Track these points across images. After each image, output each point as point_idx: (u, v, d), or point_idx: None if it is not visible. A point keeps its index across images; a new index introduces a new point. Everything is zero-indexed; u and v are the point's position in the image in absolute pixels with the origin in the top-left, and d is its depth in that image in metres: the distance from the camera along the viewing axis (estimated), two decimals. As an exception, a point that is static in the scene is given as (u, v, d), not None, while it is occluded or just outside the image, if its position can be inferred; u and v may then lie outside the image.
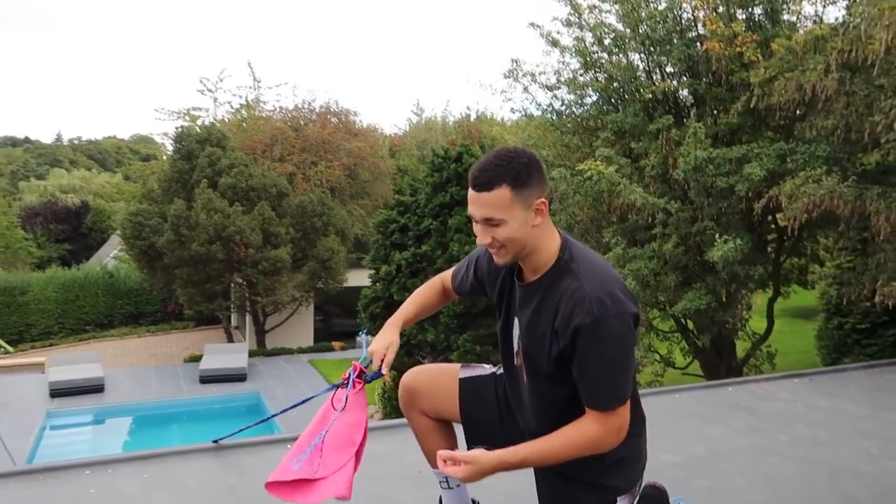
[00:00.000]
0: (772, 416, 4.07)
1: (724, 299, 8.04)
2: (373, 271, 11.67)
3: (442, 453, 1.78)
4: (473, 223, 1.83)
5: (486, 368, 2.32)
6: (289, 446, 3.36)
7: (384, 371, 2.07)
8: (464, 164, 11.19)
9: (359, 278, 22.16)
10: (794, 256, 10.39)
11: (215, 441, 3.36)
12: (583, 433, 1.76)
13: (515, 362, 2.03)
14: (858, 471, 3.36)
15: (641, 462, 2.00)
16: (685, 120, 8.71)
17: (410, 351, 10.86)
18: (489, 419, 2.26)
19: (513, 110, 10.72)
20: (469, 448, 2.34)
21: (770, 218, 9.24)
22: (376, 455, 3.31)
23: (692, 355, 9.79)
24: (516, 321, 1.96)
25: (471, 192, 1.78)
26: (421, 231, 10.91)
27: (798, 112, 7.42)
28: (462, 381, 2.29)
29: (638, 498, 2.00)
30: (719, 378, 8.99)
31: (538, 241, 1.81)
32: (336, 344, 21.48)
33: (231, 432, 3.40)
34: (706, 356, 9.34)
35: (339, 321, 23.97)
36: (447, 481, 2.41)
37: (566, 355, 1.76)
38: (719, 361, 9.27)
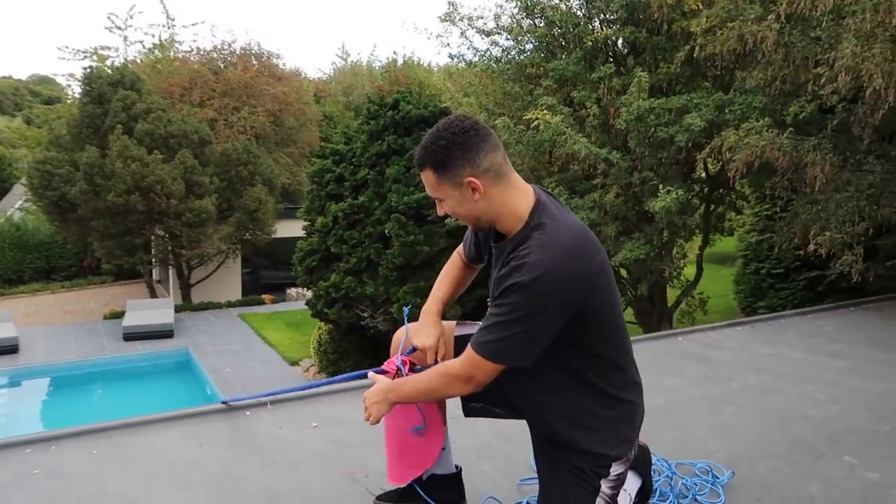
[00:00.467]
0: (722, 365, 4.19)
1: (661, 249, 8.24)
2: (307, 223, 11.32)
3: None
4: None
5: (479, 324, 2.25)
6: (248, 413, 3.22)
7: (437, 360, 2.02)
8: (400, 112, 10.88)
9: (288, 229, 21.65)
10: (720, 206, 10.74)
11: (224, 402, 3.23)
12: (443, 365, 1.87)
13: None
14: (807, 415, 3.50)
15: (635, 429, 1.98)
16: (622, 69, 8.71)
17: (349, 304, 10.69)
18: None
19: (451, 56, 10.37)
20: (465, 406, 2.30)
21: (702, 168, 9.48)
22: (342, 420, 3.20)
23: (626, 303, 10.06)
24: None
25: None
26: (358, 181, 10.60)
27: (737, 63, 7.52)
28: (457, 338, 2.23)
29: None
30: (651, 324, 9.31)
31: (492, 211, 1.80)
32: (266, 297, 21.02)
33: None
34: (639, 304, 9.62)
35: (268, 273, 23.47)
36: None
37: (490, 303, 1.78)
38: (652, 308, 9.57)
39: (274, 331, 17.03)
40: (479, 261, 2.16)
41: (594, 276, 1.74)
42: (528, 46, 9.39)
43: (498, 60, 9.78)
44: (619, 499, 1.92)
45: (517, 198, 1.81)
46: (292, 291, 21.92)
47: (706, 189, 9.68)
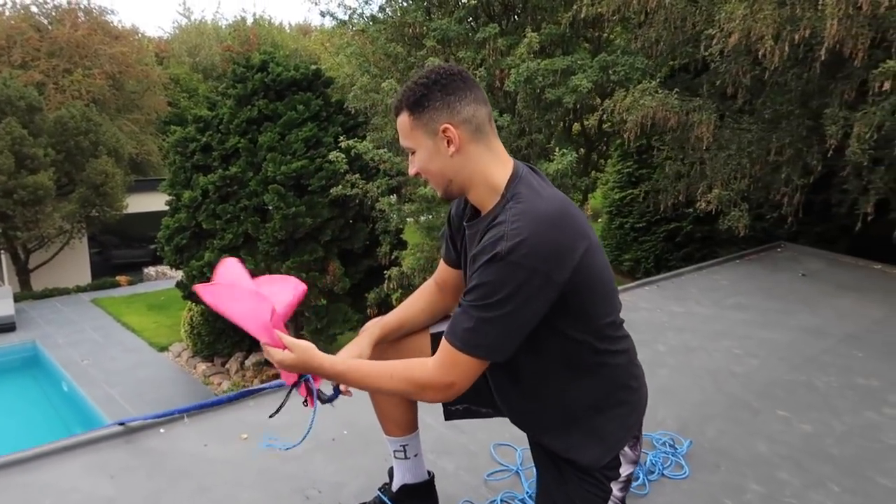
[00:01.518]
0: (643, 326, 4.24)
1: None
2: (172, 198, 10.33)
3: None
4: None
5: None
6: (162, 430, 2.77)
7: (343, 388, 1.69)
8: (270, 75, 10.12)
9: (140, 204, 19.90)
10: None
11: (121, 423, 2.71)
12: (410, 368, 1.59)
13: None
14: (733, 371, 3.62)
15: (635, 410, 1.82)
16: (502, 29, 8.60)
17: (226, 283, 9.93)
18: None
19: (322, 13, 9.74)
20: (446, 410, 2.07)
21: (580, 128, 9.71)
22: (275, 427, 2.84)
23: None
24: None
25: None
26: (228, 151, 9.77)
27: (619, 24, 7.64)
28: (434, 335, 1.99)
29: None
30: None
31: (466, 174, 1.58)
32: (121, 279, 19.32)
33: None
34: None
35: (120, 253, 21.61)
36: (404, 450, 2.11)
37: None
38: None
39: (135, 315, 15.70)
40: (456, 261, 1.88)
41: (580, 256, 1.52)
42: (405, 4, 9.02)
43: (375, 19, 9.34)
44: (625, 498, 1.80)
45: (495, 165, 1.59)
46: (151, 271, 20.32)
47: (584, 150, 9.94)
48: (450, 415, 2.07)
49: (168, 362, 13.15)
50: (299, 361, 1.61)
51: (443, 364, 1.54)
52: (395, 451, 2.07)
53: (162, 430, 2.77)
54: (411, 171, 1.64)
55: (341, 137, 8.16)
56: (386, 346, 1.90)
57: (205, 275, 9.79)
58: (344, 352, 1.77)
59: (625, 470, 1.76)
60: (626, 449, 1.76)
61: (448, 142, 1.55)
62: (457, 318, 1.53)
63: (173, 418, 2.83)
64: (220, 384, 12.04)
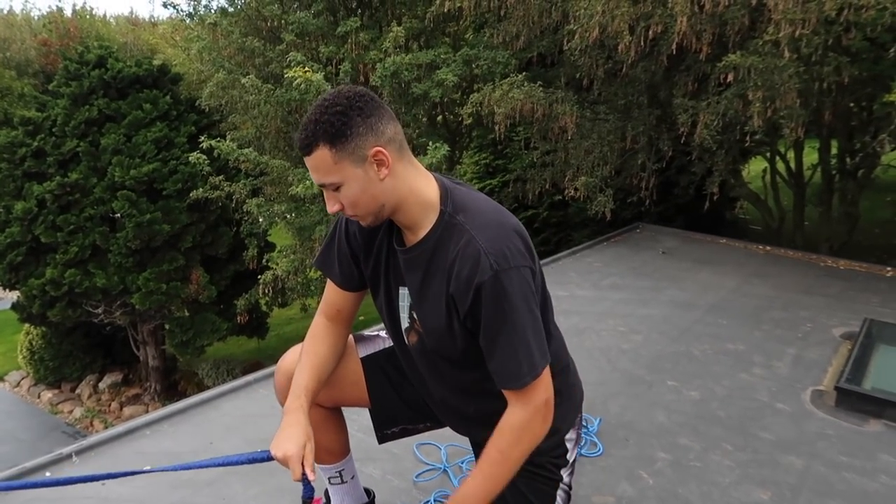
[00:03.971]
0: (534, 312, 4.40)
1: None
2: (0, 210, 9.20)
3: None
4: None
5: (382, 336, 1.94)
6: (47, 473, 2.45)
7: (310, 475, 1.53)
8: (110, 71, 9.27)
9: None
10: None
11: None
12: (506, 430, 1.53)
13: (408, 341, 1.71)
14: (622, 349, 3.85)
15: (578, 394, 1.89)
16: (362, 23, 8.51)
17: (75, 301, 9.02)
18: (397, 399, 1.94)
19: (165, 4, 9.08)
20: (380, 435, 2.00)
21: (442, 122, 9.86)
22: (180, 453, 2.63)
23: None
24: (404, 292, 1.65)
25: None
26: (65, 155, 8.82)
27: (479, 18, 7.81)
28: (364, 360, 1.91)
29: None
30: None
31: (398, 194, 1.51)
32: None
33: None
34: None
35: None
36: (340, 475, 2.02)
37: (469, 325, 1.51)
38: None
39: (-42, 344, 13.85)
40: (359, 282, 1.74)
41: (530, 244, 1.57)
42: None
43: (224, 12, 8.85)
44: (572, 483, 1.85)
45: (422, 181, 1.54)
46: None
47: (447, 141, 10.08)
48: (384, 438, 2.00)
49: (5, 394, 11.76)
50: None
51: (521, 398, 1.50)
52: (330, 479, 1.98)
53: (48, 474, 2.46)
54: (333, 207, 1.48)
55: (202, 137, 7.66)
56: (322, 398, 1.78)
57: (47, 293, 8.84)
58: (282, 443, 1.53)
59: (571, 455, 1.81)
60: (571, 433, 1.81)
61: (378, 165, 1.46)
62: (502, 359, 1.47)
63: (60, 458, 2.53)
64: (71, 412, 10.96)
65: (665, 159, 6.53)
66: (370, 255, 1.67)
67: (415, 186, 1.52)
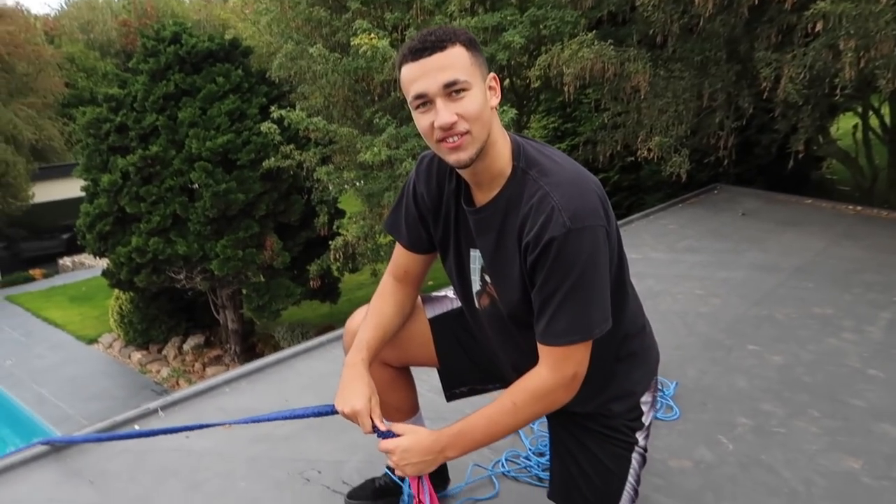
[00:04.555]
0: (606, 276, 4.30)
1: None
2: (88, 183, 9.69)
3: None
4: (418, 111, 1.39)
5: (450, 297, 1.92)
6: (136, 426, 2.58)
7: (380, 425, 1.54)
8: (184, 47, 9.53)
9: (47, 192, 18.70)
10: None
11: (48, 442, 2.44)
12: (527, 387, 1.48)
13: (479, 304, 1.66)
14: (700, 312, 3.71)
15: (654, 356, 1.82)
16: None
17: (159, 268, 9.46)
18: (465, 360, 1.92)
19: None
20: (449, 393, 2.00)
21: (510, 86, 9.67)
22: (258, 410, 2.71)
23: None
24: (475, 254, 1.59)
25: (413, 65, 1.37)
26: (146, 129, 9.18)
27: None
28: (433, 320, 1.89)
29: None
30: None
31: (494, 133, 1.43)
32: (35, 272, 18.22)
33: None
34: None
35: (30, 245, 20.26)
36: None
37: (532, 279, 1.44)
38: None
39: (57, 309, 14.83)
40: (428, 245, 1.71)
41: (607, 202, 1.49)
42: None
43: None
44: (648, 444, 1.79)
45: (502, 132, 1.49)
46: (67, 261, 19.20)
47: (514, 105, 9.90)
48: (452, 397, 1.99)
49: (99, 355, 12.53)
50: (431, 445, 1.49)
51: (556, 362, 1.45)
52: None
53: (136, 427, 2.59)
54: (448, 118, 1.34)
55: (272, 108, 7.80)
56: (386, 356, 1.79)
57: (133, 260, 9.30)
58: (348, 399, 1.55)
59: (647, 418, 1.75)
60: (647, 396, 1.75)
61: (491, 91, 1.41)
62: (553, 316, 1.41)
63: (147, 413, 2.66)
64: (158, 371, 11.59)
65: (745, 117, 6.19)
66: (439, 217, 1.64)
67: (501, 134, 1.47)
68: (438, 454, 1.50)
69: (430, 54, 1.34)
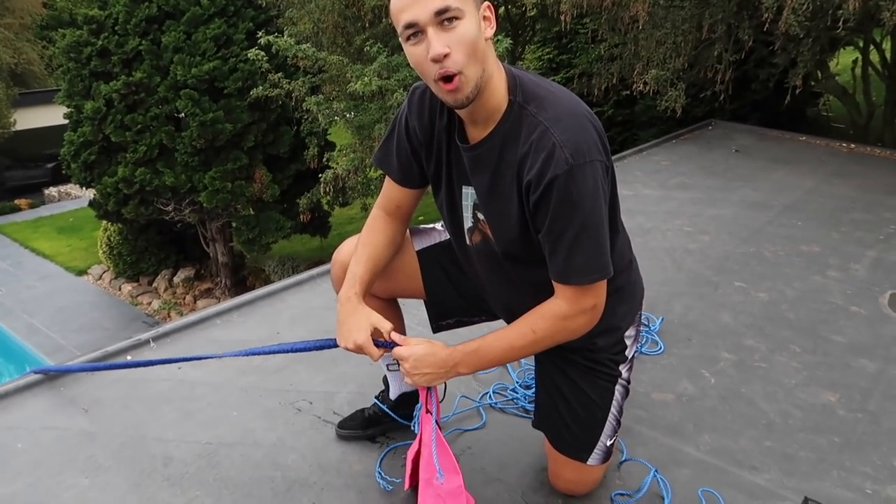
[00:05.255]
0: (596, 211, 4.29)
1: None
2: (71, 110, 9.45)
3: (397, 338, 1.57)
4: (409, 42, 1.34)
5: (438, 230, 1.92)
6: (129, 357, 2.61)
7: (396, 339, 1.57)
8: (165, -35, 9.13)
9: (30, 119, 18.30)
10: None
11: (40, 371, 2.45)
12: (546, 315, 1.49)
13: (470, 241, 1.66)
14: (688, 249, 3.73)
15: (639, 291, 1.84)
16: None
17: (146, 199, 9.36)
18: (452, 292, 1.93)
19: None
20: (435, 325, 2.03)
21: (505, 15, 9.39)
22: (249, 342, 2.73)
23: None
24: (468, 191, 1.57)
25: None
26: (128, 54, 8.89)
27: None
28: (420, 253, 1.89)
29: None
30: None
31: (492, 67, 1.38)
32: (21, 202, 18.04)
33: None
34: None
35: (14, 174, 20.00)
36: (397, 362, 2.06)
37: (535, 220, 1.43)
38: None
39: (44, 239, 14.77)
40: (420, 179, 1.69)
41: (604, 136, 1.47)
42: None
43: None
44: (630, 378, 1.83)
45: (497, 65, 1.43)
46: (53, 191, 18.98)
47: (509, 35, 9.64)
48: (439, 328, 2.01)
49: (89, 286, 12.56)
50: (445, 359, 1.50)
51: (575, 296, 1.45)
52: (388, 365, 2.01)
53: (129, 357, 2.61)
54: (440, 49, 1.28)
55: (259, 33, 7.55)
56: (374, 288, 1.77)
57: (120, 191, 9.18)
58: (352, 332, 1.55)
59: (630, 352, 1.79)
60: (630, 331, 1.78)
61: (486, 21, 1.36)
62: (568, 256, 1.40)
63: (139, 343, 2.68)
64: (149, 304, 11.66)
65: (744, 50, 6.07)
66: (431, 152, 1.61)
67: (496, 65, 1.42)
68: (451, 368, 1.52)
69: None
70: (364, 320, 1.56)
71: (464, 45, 1.29)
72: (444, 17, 1.28)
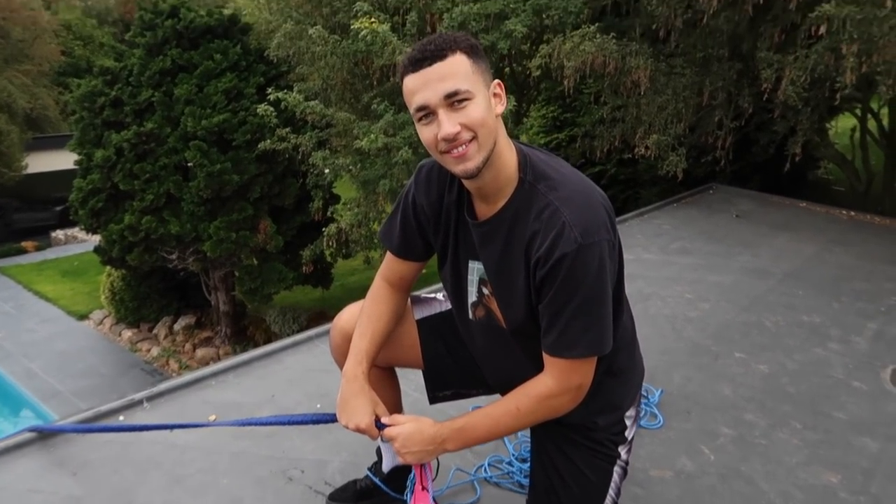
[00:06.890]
0: (597, 275, 4.30)
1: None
2: (82, 157, 9.61)
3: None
4: (421, 123, 1.38)
5: (439, 299, 1.92)
6: (121, 418, 2.59)
7: (386, 420, 1.59)
8: (182, 21, 9.41)
9: (42, 163, 18.57)
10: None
11: (36, 429, 2.43)
12: (532, 394, 1.50)
13: (473, 315, 1.66)
14: (688, 317, 3.72)
15: (640, 371, 1.83)
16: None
17: (151, 246, 9.42)
18: (451, 363, 1.92)
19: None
20: (432, 396, 2.01)
21: (510, 74, 9.60)
22: (244, 405, 2.71)
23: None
24: (474, 266, 1.59)
25: (413, 76, 1.35)
26: (141, 105, 9.09)
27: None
28: (420, 322, 1.88)
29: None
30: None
31: (502, 142, 1.42)
32: (28, 244, 18.14)
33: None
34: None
35: (22, 217, 20.18)
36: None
37: (537, 294, 1.44)
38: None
39: (48, 283, 14.80)
40: (423, 253, 1.71)
41: (614, 216, 1.49)
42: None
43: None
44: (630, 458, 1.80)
45: (508, 142, 1.47)
46: (59, 234, 19.13)
47: (514, 95, 9.84)
48: (436, 399, 1.99)
49: (90, 331, 12.52)
50: (432, 435, 1.51)
51: (562, 373, 1.46)
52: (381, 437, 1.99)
53: (122, 419, 2.59)
54: (451, 129, 1.32)
55: (269, 90, 7.73)
56: (377, 359, 1.76)
57: (125, 238, 9.25)
58: (355, 414, 1.57)
59: (630, 433, 1.76)
60: (631, 411, 1.76)
61: (496, 98, 1.39)
62: (565, 330, 1.41)
63: (132, 403, 2.65)
64: (148, 350, 11.59)
65: (744, 116, 6.18)
66: (439, 226, 1.63)
67: (506, 142, 1.45)
68: (439, 445, 1.52)
69: (429, 64, 1.33)
70: (369, 404, 1.57)
71: (477, 120, 1.34)
72: (455, 100, 1.33)
